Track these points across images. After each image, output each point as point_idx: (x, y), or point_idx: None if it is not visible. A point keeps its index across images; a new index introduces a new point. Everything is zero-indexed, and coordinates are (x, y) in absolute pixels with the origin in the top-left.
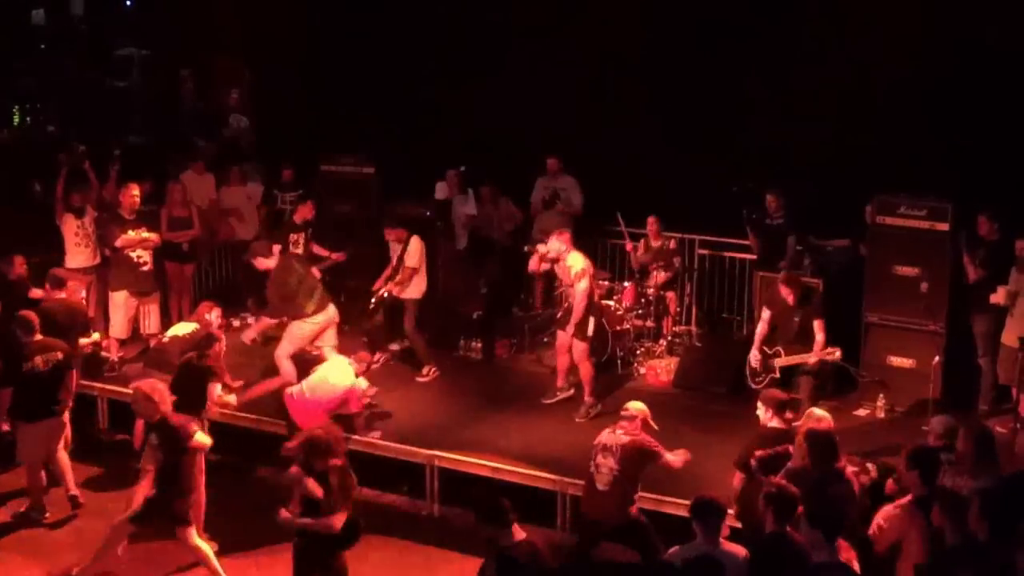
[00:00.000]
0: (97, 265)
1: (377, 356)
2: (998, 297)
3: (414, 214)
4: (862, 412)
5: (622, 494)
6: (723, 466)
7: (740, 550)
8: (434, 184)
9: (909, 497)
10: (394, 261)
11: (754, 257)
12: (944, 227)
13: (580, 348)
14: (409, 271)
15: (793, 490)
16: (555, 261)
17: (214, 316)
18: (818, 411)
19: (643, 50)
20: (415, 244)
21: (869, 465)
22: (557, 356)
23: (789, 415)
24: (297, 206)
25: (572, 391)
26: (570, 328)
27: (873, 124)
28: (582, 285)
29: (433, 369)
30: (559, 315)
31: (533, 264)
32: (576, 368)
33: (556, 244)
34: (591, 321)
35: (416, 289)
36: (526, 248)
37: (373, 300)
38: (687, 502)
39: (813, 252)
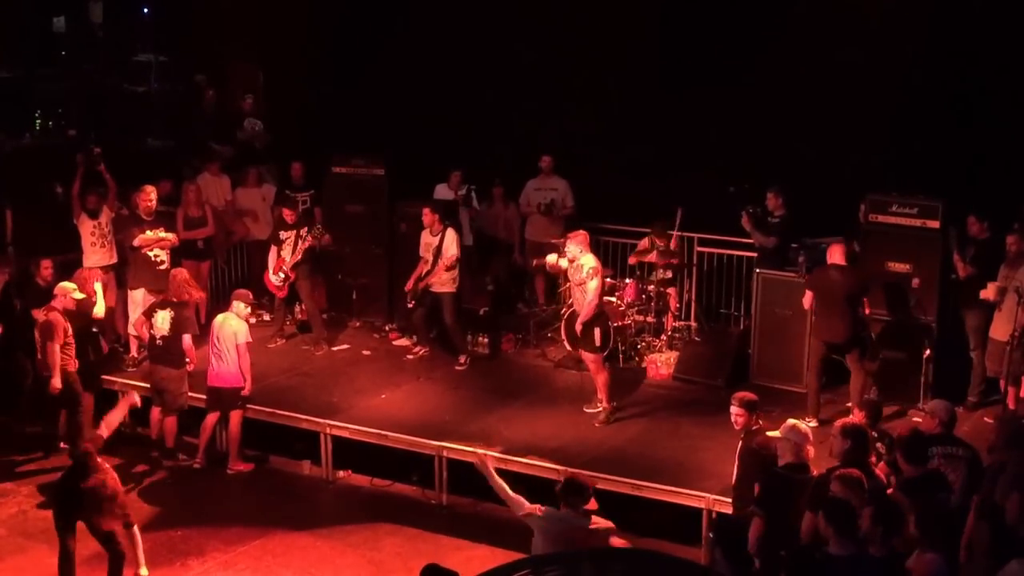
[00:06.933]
0: (115, 264)
1: (419, 349)
2: (988, 293)
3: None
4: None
5: None
6: (720, 456)
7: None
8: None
9: None
10: (426, 255)
11: (753, 255)
12: (935, 224)
13: (590, 359)
14: (452, 260)
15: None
16: (570, 262)
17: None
18: None
19: (643, 51)
20: (452, 235)
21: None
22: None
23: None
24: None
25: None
26: (578, 326)
27: (866, 124)
28: (593, 284)
29: (468, 359)
30: (564, 312)
31: (550, 261)
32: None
33: (573, 248)
34: (597, 332)
35: (451, 283)
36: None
37: (410, 296)
38: (690, 491)
39: (807, 249)
